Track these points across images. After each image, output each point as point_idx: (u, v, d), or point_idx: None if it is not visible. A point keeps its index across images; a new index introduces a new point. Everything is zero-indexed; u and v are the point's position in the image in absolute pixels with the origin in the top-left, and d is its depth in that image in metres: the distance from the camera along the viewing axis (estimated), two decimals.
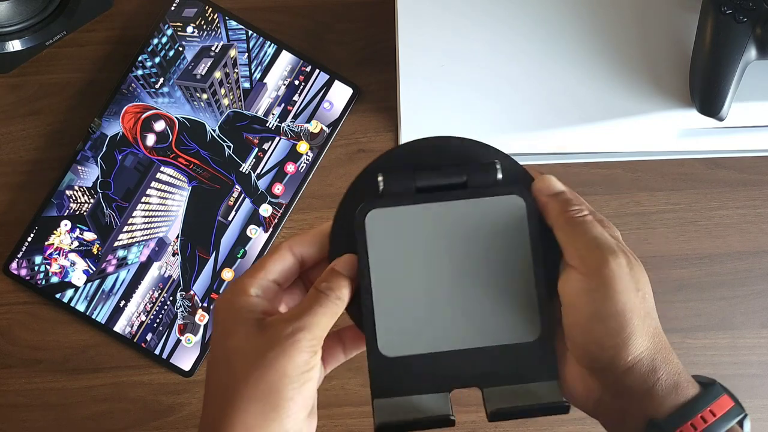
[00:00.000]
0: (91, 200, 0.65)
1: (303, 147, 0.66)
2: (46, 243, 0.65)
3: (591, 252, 0.37)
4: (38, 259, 0.65)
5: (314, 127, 0.66)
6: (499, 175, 0.39)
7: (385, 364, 0.38)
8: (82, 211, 0.65)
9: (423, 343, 0.38)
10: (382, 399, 0.38)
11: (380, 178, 0.38)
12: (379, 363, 0.38)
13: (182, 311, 0.64)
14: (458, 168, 0.39)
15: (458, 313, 0.38)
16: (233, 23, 0.66)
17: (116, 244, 0.65)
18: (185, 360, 0.64)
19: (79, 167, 0.65)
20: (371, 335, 0.38)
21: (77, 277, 0.65)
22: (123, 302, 0.64)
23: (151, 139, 0.65)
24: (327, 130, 0.66)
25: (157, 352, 0.64)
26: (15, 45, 0.62)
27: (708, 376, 0.40)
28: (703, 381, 0.39)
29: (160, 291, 0.65)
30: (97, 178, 0.65)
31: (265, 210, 0.65)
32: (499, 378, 0.38)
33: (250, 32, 0.66)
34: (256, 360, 0.36)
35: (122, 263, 0.65)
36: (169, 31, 0.66)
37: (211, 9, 0.66)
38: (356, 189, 0.40)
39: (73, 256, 0.65)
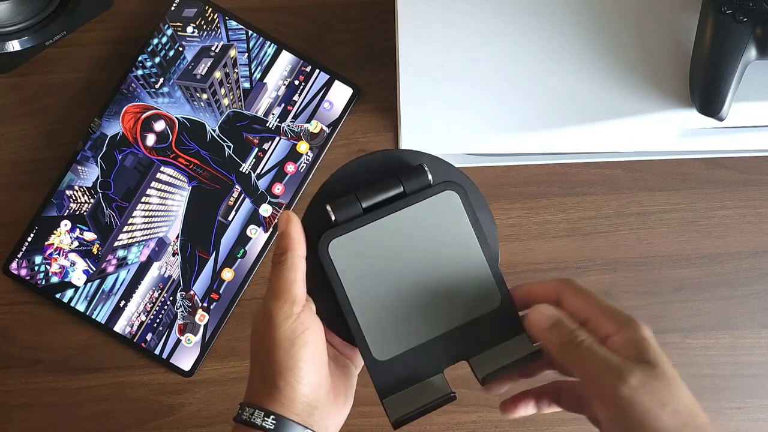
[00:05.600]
0: (91, 200, 0.65)
1: (303, 147, 0.66)
2: (46, 243, 0.65)
3: (599, 380, 0.37)
4: (38, 259, 0.65)
5: (314, 127, 0.66)
6: (430, 177, 0.43)
7: (382, 368, 0.43)
8: (82, 211, 0.65)
9: (408, 340, 0.43)
10: (389, 397, 0.43)
11: (329, 209, 0.43)
12: (377, 368, 0.43)
13: (182, 311, 0.64)
14: (393, 180, 0.43)
15: (430, 305, 0.43)
16: (233, 23, 0.66)
17: (116, 244, 0.65)
18: (185, 360, 0.64)
19: (79, 167, 0.65)
20: (364, 347, 0.43)
21: (77, 277, 0.65)
22: (123, 302, 0.64)
23: (151, 139, 0.65)
24: (327, 130, 0.66)
25: (157, 352, 0.64)
26: (15, 45, 0.62)
27: None
28: None
29: (160, 291, 0.65)
30: (97, 178, 0.65)
31: (265, 210, 0.65)
32: (478, 347, 0.43)
33: (250, 32, 0.66)
34: (259, 338, 0.42)
35: (122, 263, 0.65)
36: (169, 31, 0.66)
37: (211, 9, 0.66)
38: (310, 224, 0.44)
39: (73, 256, 0.65)
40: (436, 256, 0.43)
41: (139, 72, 0.66)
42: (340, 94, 0.66)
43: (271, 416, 0.40)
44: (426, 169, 0.43)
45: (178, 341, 0.64)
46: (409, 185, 0.43)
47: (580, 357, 0.39)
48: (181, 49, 0.66)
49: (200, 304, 0.65)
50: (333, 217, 0.43)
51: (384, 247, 0.43)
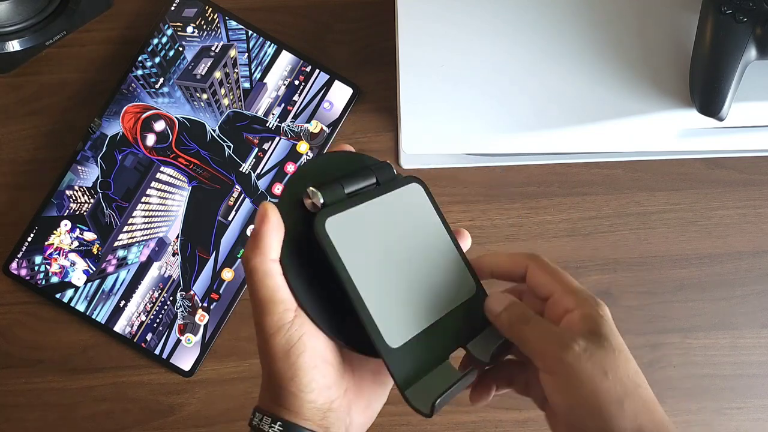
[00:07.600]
0: (91, 200, 0.65)
1: (303, 147, 0.66)
2: (46, 243, 0.65)
3: (545, 350, 0.39)
4: (38, 259, 0.65)
5: (314, 127, 0.66)
6: (395, 171, 0.45)
7: (397, 356, 0.40)
8: (82, 211, 0.65)
9: (411, 325, 0.41)
10: (410, 389, 0.40)
11: (315, 191, 0.40)
12: (393, 357, 0.40)
13: (182, 311, 0.64)
14: (366, 171, 0.43)
15: (421, 292, 0.42)
16: (233, 23, 0.66)
17: (116, 244, 0.65)
18: (185, 360, 0.64)
19: (79, 167, 0.65)
20: (376, 333, 0.40)
21: (77, 277, 0.65)
22: (123, 302, 0.64)
23: (151, 139, 0.65)
24: (327, 130, 0.66)
25: (157, 352, 0.64)
26: (15, 45, 0.62)
27: None
28: None
29: (160, 291, 0.65)
30: (97, 178, 0.65)
31: None
32: (469, 332, 0.43)
33: (250, 32, 0.66)
34: (259, 350, 0.40)
35: (122, 263, 0.65)
36: (169, 31, 0.66)
37: (211, 9, 0.66)
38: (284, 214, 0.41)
39: (73, 256, 0.65)
40: (414, 244, 0.43)
41: (139, 72, 0.66)
42: (340, 94, 0.66)
43: (278, 423, 0.39)
44: (391, 164, 0.44)
45: (178, 341, 0.64)
46: (380, 176, 0.43)
47: (528, 330, 0.40)
48: (181, 49, 0.66)
49: (200, 304, 0.65)
50: (321, 200, 0.40)
51: (372, 232, 0.41)
